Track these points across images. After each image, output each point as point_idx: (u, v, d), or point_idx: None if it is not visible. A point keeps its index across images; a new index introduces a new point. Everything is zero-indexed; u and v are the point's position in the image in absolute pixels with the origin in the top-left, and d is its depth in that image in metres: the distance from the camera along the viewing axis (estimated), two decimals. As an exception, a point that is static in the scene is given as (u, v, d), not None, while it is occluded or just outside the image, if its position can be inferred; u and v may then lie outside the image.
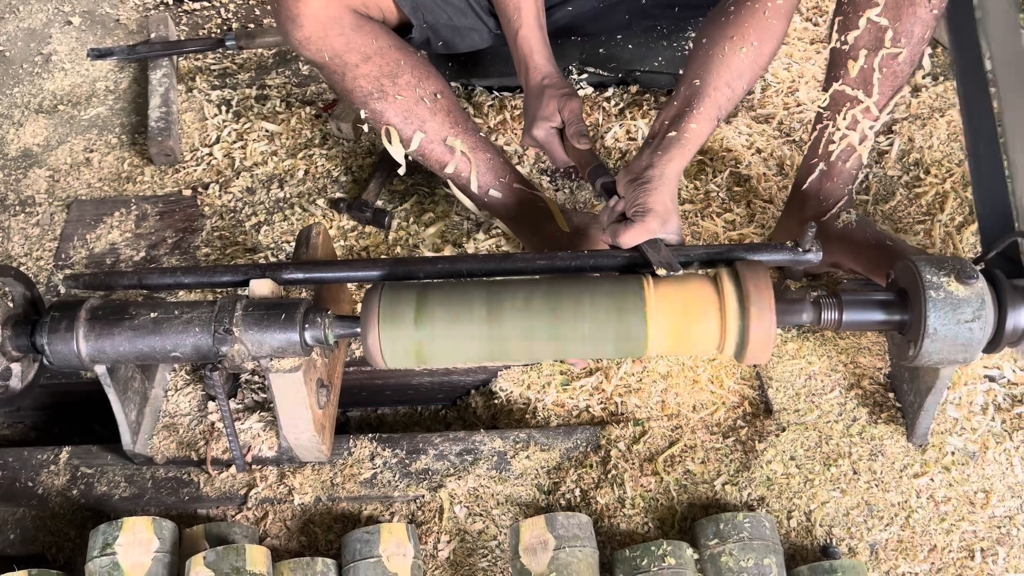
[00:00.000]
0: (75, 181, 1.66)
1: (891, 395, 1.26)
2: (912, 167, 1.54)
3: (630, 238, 1.12)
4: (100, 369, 1.12)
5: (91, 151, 1.71)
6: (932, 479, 1.18)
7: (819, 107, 1.27)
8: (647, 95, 1.68)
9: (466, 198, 1.40)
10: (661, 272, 1.08)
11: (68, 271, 1.51)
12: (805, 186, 1.31)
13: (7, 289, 1.14)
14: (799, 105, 1.65)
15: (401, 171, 1.38)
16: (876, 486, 1.18)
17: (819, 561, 1.10)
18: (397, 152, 1.34)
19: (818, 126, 1.28)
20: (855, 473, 1.19)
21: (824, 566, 1.07)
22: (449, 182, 1.38)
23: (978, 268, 1.06)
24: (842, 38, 1.20)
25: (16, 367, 1.12)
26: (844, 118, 1.23)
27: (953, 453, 1.20)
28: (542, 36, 1.37)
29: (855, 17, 1.18)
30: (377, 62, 1.29)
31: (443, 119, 1.33)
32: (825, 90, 1.25)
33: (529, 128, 1.36)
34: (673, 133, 1.17)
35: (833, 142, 1.26)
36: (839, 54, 1.22)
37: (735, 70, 1.20)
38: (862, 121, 1.22)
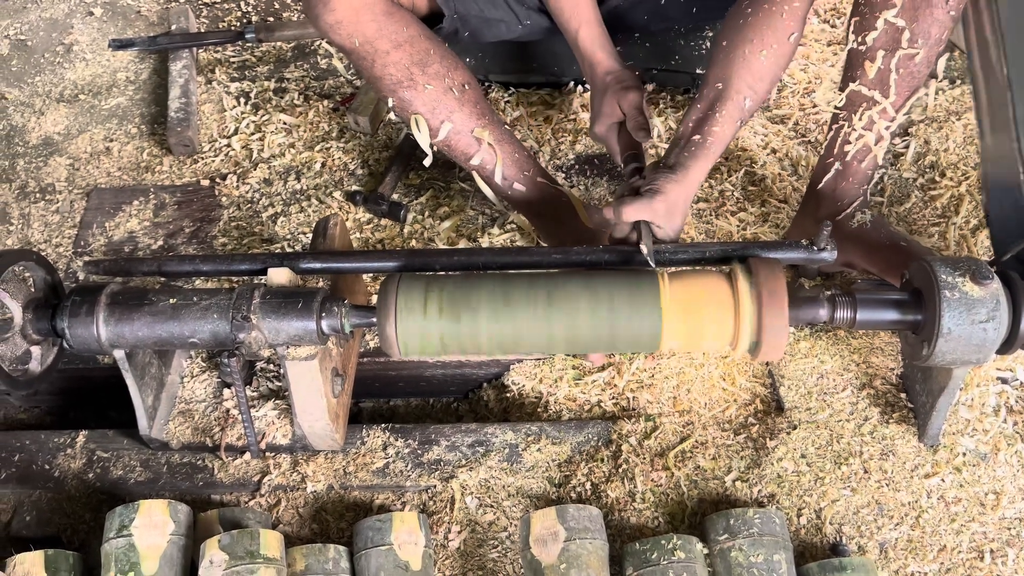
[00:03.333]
0: (95, 170, 1.68)
1: (903, 395, 1.26)
2: (928, 169, 1.54)
3: (631, 211, 1.13)
4: (119, 354, 1.13)
5: (111, 140, 1.73)
6: (943, 479, 1.18)
7: (835, 107, 1.27)
8: (663, 93, 1.69)
9: (489, 190, 1.40)
10: (643, 249, 1.10)
11: (88, 258, 1.53)
12: (820, 185, 1.31)
13: (28, 274, 1.15)
14: (815, 106, 1.65)
15: (427, 161, 1.38)
16: (887, 485, 1.18)
17: (829, 558, 1.10)
18: (424, 141, 1.34)
19: (834, 126, 1.28)
20: (866, 472, 1.19)
21: (834, 563, 1.08)
22: (474, 174, 1.38)
23: (993, 269, 1.06)
24: (859, 39, 1.21)
25: (36, 350, 1.14)
26: (860, 118, 1.23)
27: (964, 454, 1.20)
28: (602, 31, 1.38)
29: (872, 18, 1.19)
30: (407, 50, 1.29)
31: (470, 110, 1.34)
32: (842, 90, 1.26)
33: (592, 124, 1.38)
34: (698, 136, 1.18)
35: (849, 142, 1.26)
36: (856, 55, 1.22)
37: (756, 73, 1.21)
38: (878, 122, 1.23)
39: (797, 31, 1.23)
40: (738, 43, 1.22)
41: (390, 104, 1.33)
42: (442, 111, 1.32)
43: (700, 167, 1.17)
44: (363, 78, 1.37)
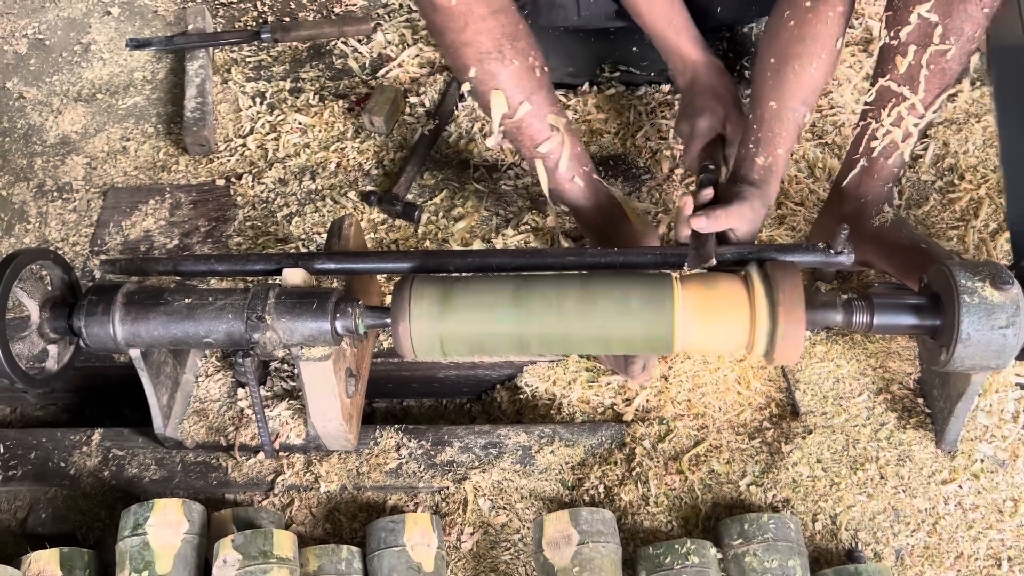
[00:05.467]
0: (112, 169, 1.69)
1: (920, 400, 1.25)
2: (946, 172, 1.52)
3: (724, 216, 1.14)
4: (134, 353, 1.14)
5: (128, 140, 1.74)
6: (960, 486, 1.17)
7: (865, 103, 1.27)
8: (679, 95, 1.68)
9: (547, 183, 1.33)
10: (713, 260, 1.11)
11: (104, 257, 1.54)
12: (845, 182, 1.30)
13: (45, 273, 1.16)
14: (832, 108, 1.64)
15: (492, 141, 1.31)
16: (903, 491, 1.17)
17: (844, 565, 1.09)
18: (498, 120, 1.27)
19: (861, 123, 1.28)
20: (882, 478, 1.18)
21: (849, 570, 1.07)
22: (536, 163, 1.31)
23: (1012, 274, 1.05)
24: (891, 34, 1.20)
25: (53, 349, 1.14)
26: (889, 114, 1.23)
27: (982, 460, 1.19)
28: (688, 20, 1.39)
29: (905, 13, 1.18)
30: (502, 20, 1.21)
31: (546, 95, 1.28)
32: (872, 86, 1.25)
33: (693, 120, 1.35)
34: (761, 159, 1.20)
35: (876, 138, 1.25)
36: (888, 50, 1.22)
37: (808, 87, 1.21)
38: (907, 118, 1.22)
39: (842, 34, 1.23)
40: (787, 59, 1.22)
41: (471, 74, 1.24)
42: (524, 90, 1.26)
43: (772, 189, 1.20)
44: (442, 45, 1.26)
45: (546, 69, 1.29)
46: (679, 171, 1.56)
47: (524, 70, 1.25)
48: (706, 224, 1.12)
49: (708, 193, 1.18)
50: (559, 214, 1.44)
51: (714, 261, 1.10)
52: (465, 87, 1.27)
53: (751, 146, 1.21)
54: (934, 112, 1.23)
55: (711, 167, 1.28)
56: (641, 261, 1.15)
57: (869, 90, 1.26)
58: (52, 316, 1.12)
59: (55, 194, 1.66)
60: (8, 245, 1.58)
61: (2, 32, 1.96)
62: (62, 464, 1.27)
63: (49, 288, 1.15)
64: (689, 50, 1.38)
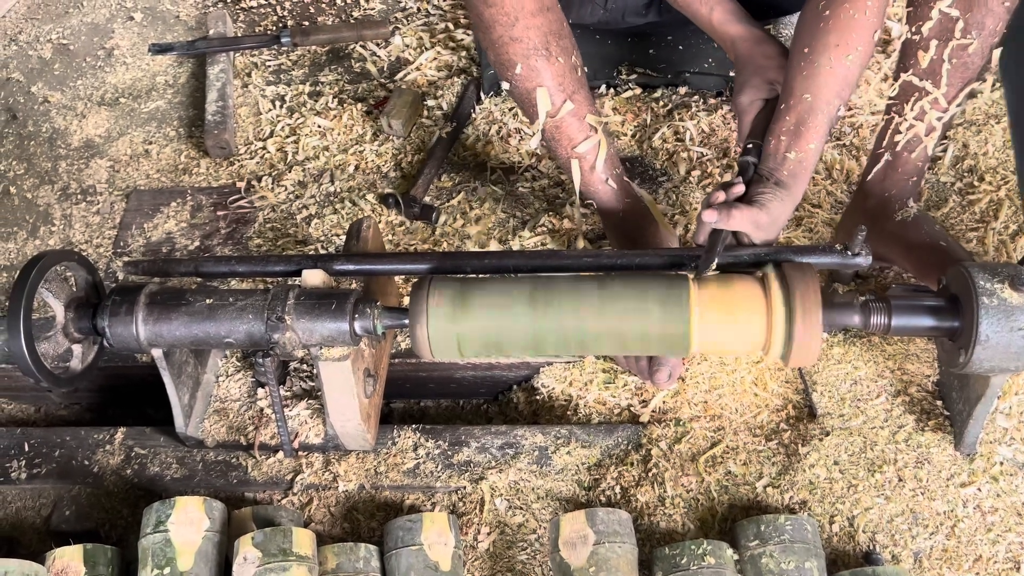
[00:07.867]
0: (134, 172, 1.71)
1: (939, 403, 1.24)
2: (966, 173, 1.52)
3: (739, 215, 1.11)
4: (157, 352, 1.15)
5: (150, 143, 1.76)
6: (979, 489, 1.16)
7: (888, 97, 1.26)
8: (696, 96, 1.68)
9: (579, 183, 1.33)
10: (692, 272, 1.09)
11: (127, 258, 1.56)
12: (870, 177, 1.30)
13: (70, 274, 1.18)
14: (851, 109, 1.63)
15: (534, 142, 1.32)
16: (922, 494, 1.17)
17: (861, 567, 1.09)
18: (542, 119, 1.27)
19: (885, 117, 1.28)
20: (900, 480, 1.18)
21: (867, 572, 1.06)
22: (572, 163, 1.30)
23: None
24: (913, 29, 1.20)
25: (77, 348, 1.16)
26: (912, 108, 1.22)
27: (1002, 463, 1.18)
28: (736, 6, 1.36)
29: (926, 8, 1.18)
30: (549, 17, 1.22)
31: (586, 94, 1.28)
32: (895, 80, 1.25)
33: (737, 93, 1.31)
34: (792, 154, 1.15)
35: (900, 132, 1.25)
36: (910, 45, 1.22)
37: (843, 79, 1.16)
38: (930, 112, 1.22)
39: (879, 26, 1.17)
40: (821, 49, 1.17)
41: (516, 71, 1.24)
42: (567, 88, 1.26)
43: (801, 186, 1.16)
44: (488, 40, 1.24)
45: (585, 68, 1.29)
46: (696, 173, 1.56)
47: (568, 68, 1.25)
48: (716, 219, 1.09)
49: (739, 189, 1.15)
50: (584, 215, 1.45)
51: (713, 266, 1.08)
52: (505, 85, 1.28)
53: (782, 138, 1.17)
54: (957, 106, 1.22)
55: (750, 146, 1.24)
56: (657, 262, 1.16)
57: (892, 85, 1.25)
58: (76, 316, 1.14)
59: (79, 197, 1.68)
60: (33, 247, 1.61)
61: (27, 37, 1.99)
62: (85, 462, 1.28)
63: (73, 289, 1.17)
64: (727, 26, 1.35)
